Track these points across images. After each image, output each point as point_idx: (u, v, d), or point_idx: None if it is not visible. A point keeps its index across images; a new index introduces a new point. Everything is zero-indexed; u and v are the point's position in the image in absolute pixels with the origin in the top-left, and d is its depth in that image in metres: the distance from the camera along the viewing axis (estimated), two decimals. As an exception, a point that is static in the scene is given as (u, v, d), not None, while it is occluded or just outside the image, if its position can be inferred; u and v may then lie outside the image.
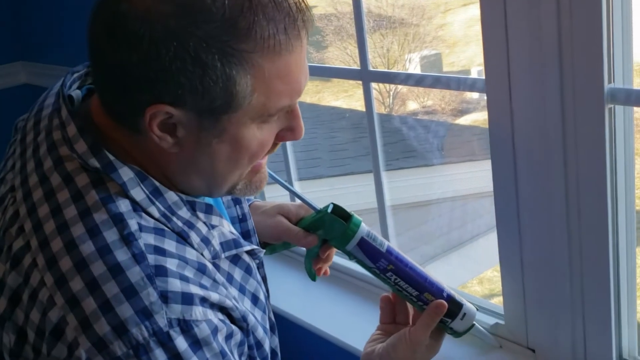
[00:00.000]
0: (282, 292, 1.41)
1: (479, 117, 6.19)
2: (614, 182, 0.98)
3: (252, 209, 1.10)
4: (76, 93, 0.86)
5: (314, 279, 1.14)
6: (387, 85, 6.72)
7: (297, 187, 1.62)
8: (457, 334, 1.14)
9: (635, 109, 0.97)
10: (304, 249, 1.12)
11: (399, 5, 7.11)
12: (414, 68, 6.60)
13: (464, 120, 6.20)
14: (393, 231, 1.41)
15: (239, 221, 1.01)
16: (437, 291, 1.11)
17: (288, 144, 1.61)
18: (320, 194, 3.46)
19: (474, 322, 1.15)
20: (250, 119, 0.77)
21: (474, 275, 4.15)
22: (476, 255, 3.93)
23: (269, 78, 0.75)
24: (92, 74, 0.86)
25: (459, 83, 1.17)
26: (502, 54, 0.99)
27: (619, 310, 1.04)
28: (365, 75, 1.27)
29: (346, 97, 7.48)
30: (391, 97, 7.03)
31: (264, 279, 1.01)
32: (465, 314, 1.13)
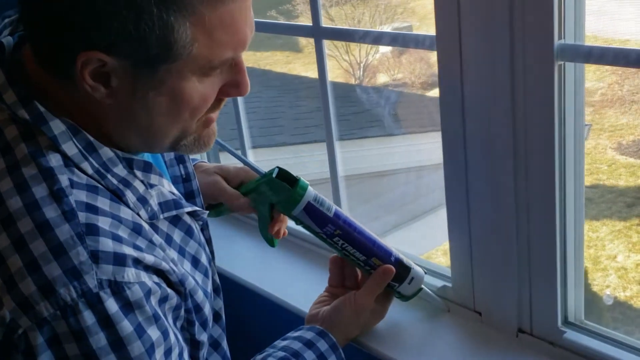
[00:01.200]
0: (229, 255, 1.38)
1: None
2: (562, 140, 0.96)
3: (194, 168, 1.06)
4: (7, 40, 0.82)
5: (272, 245, 1.12)
6: (357, 55, 6.67)
7: (252, 155, 1.59)
8: (405, 298, 1.13)
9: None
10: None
11: (371, -25, 7.05)
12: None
13: (434, 93, 6.20)
14: (346, 201, 1.39)
15: (183, 181, 0.97)
16: (385, 255, 1.10)
17: (244, 110, 1.56)
18: (282, 162, 3.41)
19: (422, 286, 1.14)
20: (191, 71, 0.73)
21: (436, 246, 4.17)
22: (438, 226, 3.94)
23: (211, 27, 0.71)
24: (21, 19, 0.82)
25: (411, 40, 1.14)
26: (453, 8, 0.96)
27: (565, 271, 1.03)
28: (317, 32, 1.23)
29: (316, 68, 7.42)
30: (361, 69, 7.00)
31: (209, 241, 0.98)
32: (413, 277, 1.12)
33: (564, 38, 0.91)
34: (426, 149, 4.12)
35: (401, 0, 6.96)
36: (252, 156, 1.60)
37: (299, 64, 7.21)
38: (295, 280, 1.32)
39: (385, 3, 6.87)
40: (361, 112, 4.22)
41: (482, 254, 1.09)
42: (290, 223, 1.10)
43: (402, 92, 5.86)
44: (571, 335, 1.03)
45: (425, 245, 4.06)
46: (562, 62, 0.92)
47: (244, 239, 1.48)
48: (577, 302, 1.06)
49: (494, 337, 1.11)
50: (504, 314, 1.09)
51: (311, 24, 1.23)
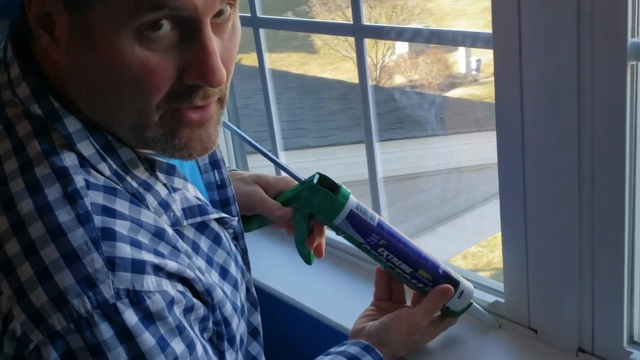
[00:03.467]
0: (267, 267, 1.31)
1: (465, 92, 6.13)
2: (634, 150, 0.88)
3: (229, 175, 1.00)
4: (20, 37, 0.76)
5: (309, 262, 1.05)
6: (373, 57, 6.62)
7: (283, 158, 1.52)
8: (454, 314, 1.07)
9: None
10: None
11: (388, -24, 6.99)
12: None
13: (451, 94, 6.13)
14: (385, 203, 1.32)
15: (217, 188, 0.91)
16: (432, 268, 1.04)
17: (276, 109, 1.50)
18: (307, 164, 3.36)
19: (472, 301, 1.08)
20: (121, 25, 0.63)
21: (461, 250, 4.10)
22: (462, 230, 3.87)
23: None
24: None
25: (462, 38, 1.07)
26: (512, 3, 0.89)
27: (632, 286, 0.95)
28: (358, 30, 1.16)
29: (332, 69, 7.37)
30: (378, 70, 6.94)
31: (244, 251, 0.92)
32: (462, 291, 1.06)
33: (638, 36, 0.84)
34: (448, 152, 4.05)
35: (418, 1, 6.90)
36: (283, 159, 1.53)
37: (314, 65, 7.17)
38: (337, 294, 1.25)
39: (402, 4, 6.81)
40: (384, 114, 4.16)
41: (539, 266, 1.01)
42: (331, 234, 1.04)
43: (427, 93, 5.80)
44: (639, 356, 0.96)
45: (448, 249, 4.00)
46: (636, 62, 0.84)
47: (283, 250, 1.41)
48: (643, 321, 0.99)
49: (551, 356, 1.04)
50: (563, 332, 1.02)
51: (351, 22, 1.16)
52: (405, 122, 4.15)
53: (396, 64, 6.84)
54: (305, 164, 3.37)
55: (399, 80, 6.83)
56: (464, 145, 3.98)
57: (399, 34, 1.17)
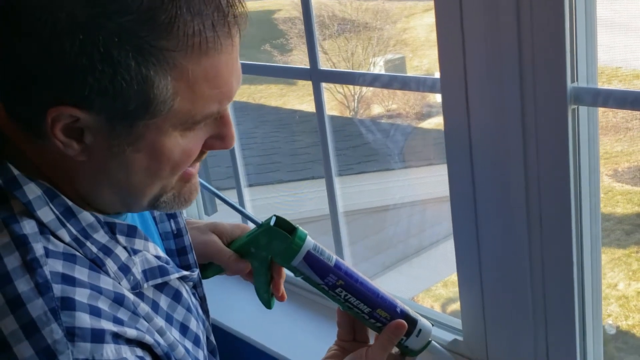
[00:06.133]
0: (227, 308, 1.32)
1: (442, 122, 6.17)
2: (578, 188, 0.91)
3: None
4: None
5: (269, 307, 1.06)
6: (351, 88, 6.68)
7: (248, 194, 1.54)
8: (412, 353, 1.07)
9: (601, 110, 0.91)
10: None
11: (362, 9, 7.08)
12: (379, 71, 6.57)
13: (428, 124, 6.19)
14: (346, 239, 1.34)
15: (174, 237, 0.91)
16: (390, 307, 1.04)
17: (240, 147, 1.52)
18: (279, 199, 3.37)
19: (430, 339, 1.08)
20: (172, 126, 0.68)
21: (438, 280, 4.11)
22: (439, 260, 3.88)
23: (194, 81, 0.65)
24: None
25: (413, 82, 1.10)
26: (458, 50, 0.93)
27: (584, 321, 0.98)
28: (315, 75, 1.19)
29: (311, 100, 7.42)
30: (356, 101, 7.00)
31: (203, 298, 0.92)
32: (420, 330, 1.06)
33: (577, 81, 0.87)
34: (420, 184, 4.08)
35: (393, 32, 6.99)
36: (247, 195, 1.55)
37: (294, 96, 7.21)
38: (300, 334, 1.26)
39: (377, 35, 6.89)
40: (359, 146, 4.19)
41: (494, 304, 1.03)
42: (290, 274, 1.05)
43: (399, 124, 5.85)
44: (593, 390, 0.98)
45: (426, 279, 4.00)
46: (576, 106, 0.88)
47: (243, 290, 1.42)
48: (597, 352, 1.01)
49: (510, 392, 1.05)
50: (520, 367, 1.04)
51: (309, 67, 1.19)
52: (379, 153, 4.18)
53: (374, 94, 6.90)
54: (278, 198, 3.38)
55: (376, 110, 6.88)
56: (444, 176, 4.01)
57: (356, 79, 1.20)
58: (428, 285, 4.03)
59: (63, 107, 0.64)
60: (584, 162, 0.91)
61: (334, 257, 1.03)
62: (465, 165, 0.98)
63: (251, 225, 1.03)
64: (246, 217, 1.04)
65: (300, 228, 1.01)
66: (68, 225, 0.71)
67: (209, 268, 1.04)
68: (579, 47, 0.86)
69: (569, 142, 0.88)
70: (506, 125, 0.92)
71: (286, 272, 1.07)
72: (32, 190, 0.70)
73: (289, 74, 1.48)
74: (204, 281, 0.95)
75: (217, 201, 1.69)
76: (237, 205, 1.05)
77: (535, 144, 0.90)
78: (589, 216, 0.94)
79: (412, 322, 1.05)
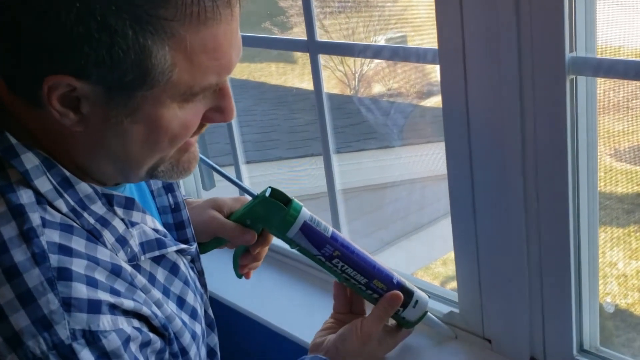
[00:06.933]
0: (225, 281, 1.31)
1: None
2: (576, 163, 0.90)
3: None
4: None
5: (239, 276, 1.07)
6: (352, 66, 6.64)
7: (246, 170, 1.53)
8: (409, 324, 1.08)
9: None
10: None
11: (364, -14, 7.01)
12: (380, 49, 6.51)
13: (429, 102, 6.16)
14: (344, 216, 1.34)
15: (172, 211, 0.91)
16: (386, 278, 1.05)
17: (238, 124, 1.51)
18: (277, 176, 3.35)
19: (427, 311, 1.09)
20: (170, 97, 0.67)
21: (437, 257, 4.11)
22: (438, 237, 3.88)
23: (192, 51, 0.65)
24: None
25: (412, 54, 1.09)
26: (456, 21, 0.91)
27: (580, 297, 0.97)
28: (312, 47, 1.17)
29: (311, 78, 7.38)
30: (356, 80, 6.95)
31: (201, 272, 0.92)
32: (417, 301, 1.07)
33: (576, 51, 0.86)
34: (421, 161, 4.07)
35: (395, 10, 6.93)
36: (245, 171, 1.54)
37: (294, 75, 7.17)
38: (296, 307, 1.26)
39: (378, 13, 6.83)
40: (358, 124, 4.17)
41: (491, 278, 1.03)
42: (286, 246, 1.05)
43: (400, 102, 5.82)
44: (587, 364, 0.97)
45: (426, 257, 4.00)
46: (574, 76, 0.86)
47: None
48: (592, 328, 1.01)
49: (505, 365, 1.05)
50: (515, 342, 1.04)
51: (306, 38, 1.18)
52: (378, 131, 4.16)
53: (375, 72, 6.86)
54: (276, 175, 3.37)
55: (377, 89, 6.85)
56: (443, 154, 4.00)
57: (354, 50, 1.18)
58: (427, 263, 4.03)
59: (60, 76, 0.63)
60: (581, 136, 0.90)
61: (330, 228, 1.03)
62: (462, 138, 0.97)
63: (250, 199, 1.03)
64: (242, 189, 1.03)
65: (296, 200, 1.01)
66: (65, 195, 0.71)
67: (208, 243, 1.04)
68: (578, 18, 0.84)
69: (567, 114, 0.87)
70: (503, 96, 0.90)
71: (282, 245, 1.07)
72: (30, 160, 0.69)
73: (287, 46, 1.46)
74: (202, 256, 0.95)
75: (216, 176, 1.69)
76: (234, 178, 1.05)
77: (533, 116, 0.89)
78: (587, 192, 0.93)
79: (409, 293, 1.05)
